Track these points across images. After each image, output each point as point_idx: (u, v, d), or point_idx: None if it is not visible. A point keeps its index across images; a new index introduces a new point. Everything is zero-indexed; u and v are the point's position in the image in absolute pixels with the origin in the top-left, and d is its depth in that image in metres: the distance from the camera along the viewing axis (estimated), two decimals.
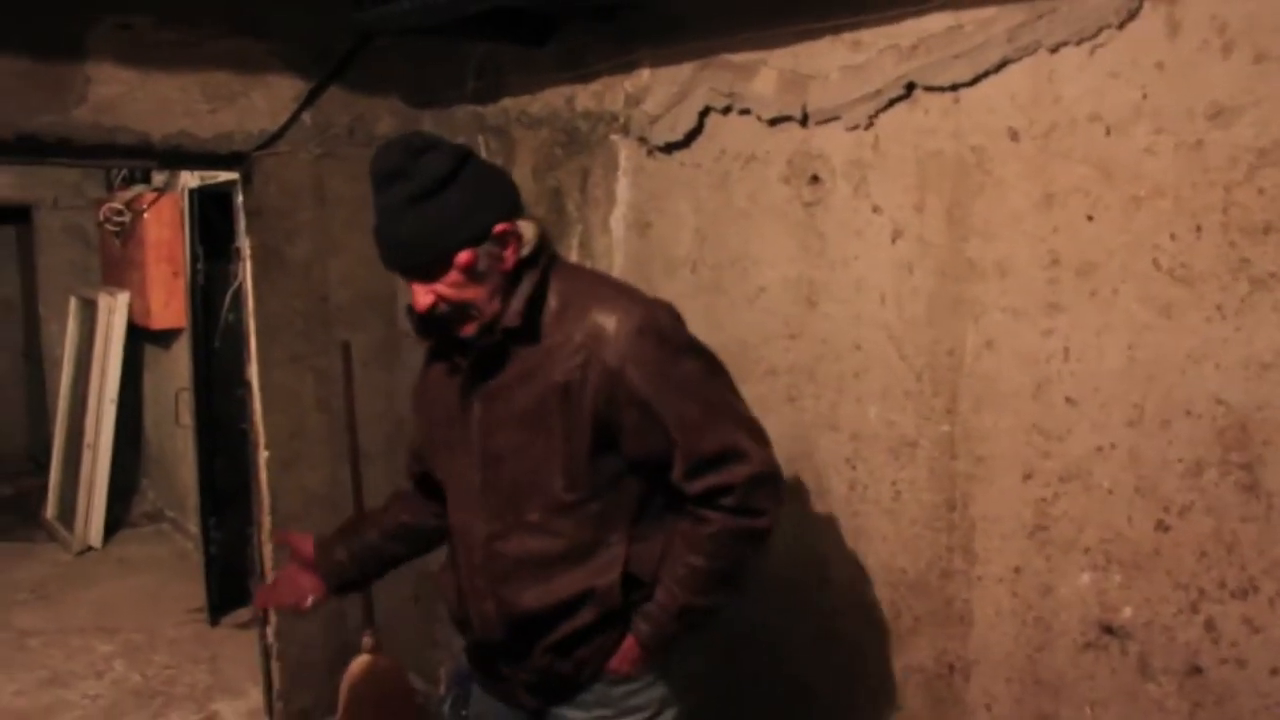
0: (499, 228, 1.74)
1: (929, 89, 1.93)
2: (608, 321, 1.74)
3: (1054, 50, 1.74)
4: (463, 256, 1.72)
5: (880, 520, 2.10)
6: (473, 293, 1.76)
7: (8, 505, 6.78)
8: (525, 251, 1.78)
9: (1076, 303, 1.75)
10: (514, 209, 1.78)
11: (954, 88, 1.89)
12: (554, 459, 1.79)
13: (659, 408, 1.73)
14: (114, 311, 5.85)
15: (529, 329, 1.79)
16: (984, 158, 1.86)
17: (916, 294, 1.99)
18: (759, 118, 2.25)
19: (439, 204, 1.72)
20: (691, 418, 1.73)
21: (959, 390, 1.94)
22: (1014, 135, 1.81)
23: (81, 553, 5.82)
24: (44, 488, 6.43)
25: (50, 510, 6.28)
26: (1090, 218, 1.72)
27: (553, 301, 1.80)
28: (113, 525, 6.05)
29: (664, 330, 1.74)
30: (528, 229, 1.78)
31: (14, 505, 6.76)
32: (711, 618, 1.85)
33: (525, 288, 1.78)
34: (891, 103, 2.00)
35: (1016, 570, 1.88)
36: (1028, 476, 1.84)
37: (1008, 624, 1.90)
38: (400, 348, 3.59)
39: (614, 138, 2.65)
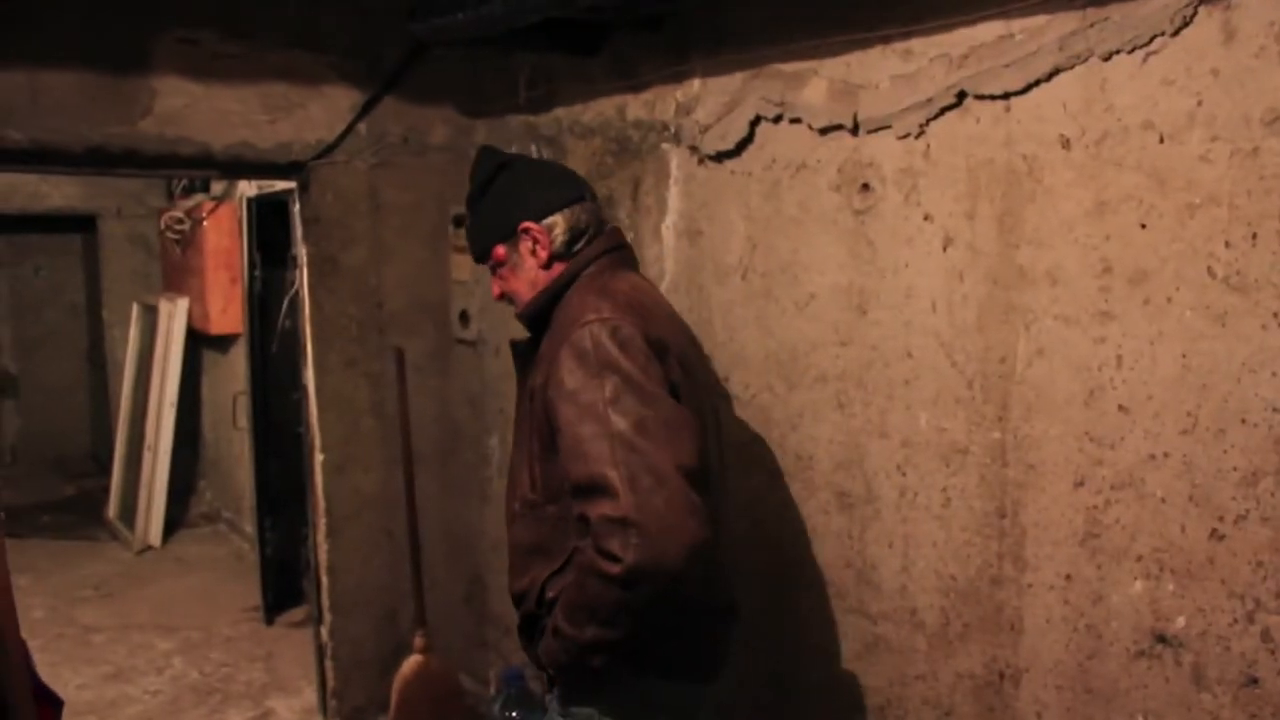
0: (522, 225, 1.96)
1: (980, 97, 1.94)
2: (566, 332, 1.79)
3: (1106, 58, 1.74)
4: (497, 251, 2.01)
5: (930, 526, 2.10)
6: (514, 283, 2.02)
7: (72, 505, 6.94)
8: (556, 245, 1.96)
9: (1129, 311, 1.74)
10: (547, 209, 1.96)
11: (1005, 96, 1.89)
12: (525, 458, 1.91)
13: (558, 421, 1.73)
14: (174, 317, 5.97)
15: (543, 323, 1.95)
16: (1035, 166, 1.86)
17: (967, 301, 1.99)
18: (810, 126, 2.27)
19: (483, 206, 2.04)
20: (575, 438, 1.69)
21: (1010, 397, 1.94)
22: (1065, 143, 1.81)
23: (141, 552, 5.95)
24: (106, 488, 6.57)
25: (112, 510, 6.42)
26: (1143, 225, 1.71)
27: (568, 301, 1.91)
28: (171, 525, 6.18)
29: (586, 346, 1.73)
30: (558, 226, 1.96)
31: (78, 504, 6.92)
32: (590, 653, 1.73)
33: (544, 282, 1.97)
34: (942, 111, 2.00)
35: (1068, 578, 1.87)
36: (1079, 484, 1.84)
37: (1058, 631, 1.89)
38: (452, 353, 3.64)
39: (665, 146, 2.67)
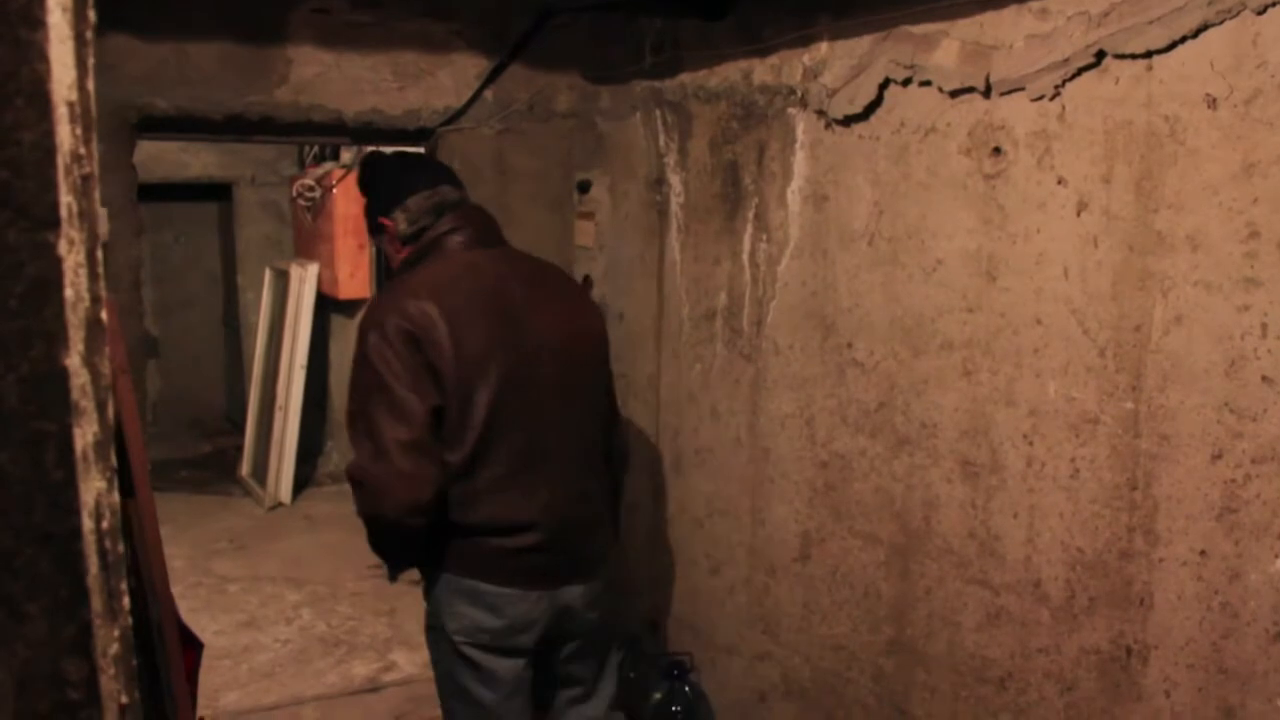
0: (379, 219, 2.46)
1: (1120, 57, 1.87)
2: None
3: (1260, 12, 1.66)
4: (374, 235, 2.56)
5: (1057, 497, 2.06)
6: (392, 261, 2.51)
7: (208, 462, 7.26)
8: (402, 232, 2.42)
9: (1277, 277, 1.67)
10: (392, 203, 2.42)
11: (1147, 55, 1.83)
12: None
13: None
14: (304, 282, 6.15)
15: None
16: (1178, 127, 1.80)
17: (1101, 268, 1.94)
18: (940, 89, 2.22)
19: (366, 201, 2.55)
20: (347, 405, 2.30)
21: (1145, 366, 1.88)
22: (1211, 103, 1.74)
23: (272, 508, 6.18)
24: (239, 446, 6.84)
25: (245, 468, 6.69)
26: None
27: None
28: (300, 483, 6.40)
29: (361, 325, 2.29)
30: (400, 221, 2.41)
31: (214, 462, 7.23)
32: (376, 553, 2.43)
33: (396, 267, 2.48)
34: (1079, 71, 1.94)
35: (1202, 553, 1.81)
36: (1217, 456, 1.78)
37: (1191, 609, 1.84)
38: None
39: (791, 111, 2.65)
